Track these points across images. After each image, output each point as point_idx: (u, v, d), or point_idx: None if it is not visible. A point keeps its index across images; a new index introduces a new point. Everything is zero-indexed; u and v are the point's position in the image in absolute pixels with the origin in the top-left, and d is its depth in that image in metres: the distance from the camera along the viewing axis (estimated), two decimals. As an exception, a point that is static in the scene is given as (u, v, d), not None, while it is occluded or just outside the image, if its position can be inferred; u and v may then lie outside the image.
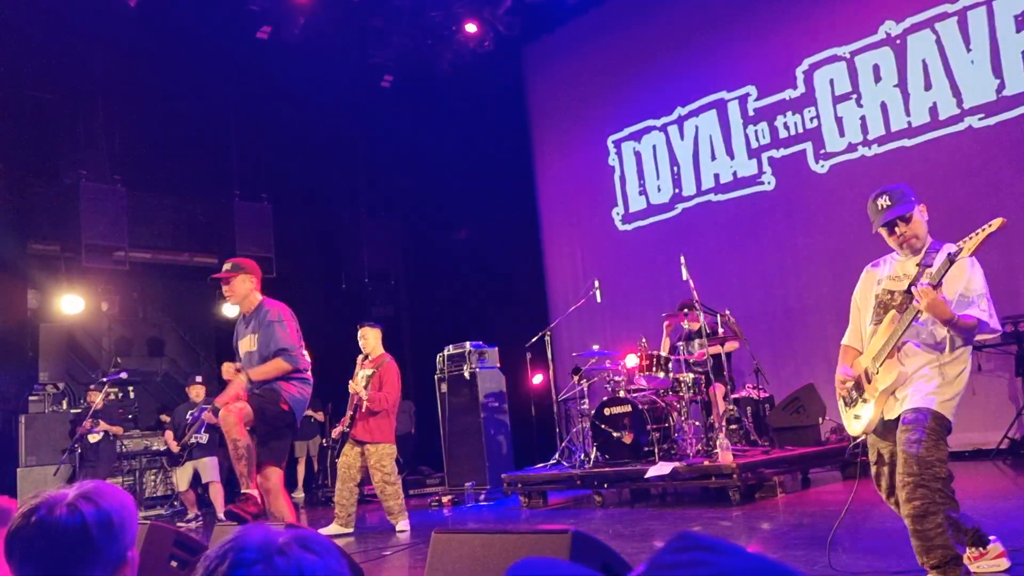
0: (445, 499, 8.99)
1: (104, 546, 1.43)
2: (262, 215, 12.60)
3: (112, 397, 10.71)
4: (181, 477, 9.47)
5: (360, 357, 7.08)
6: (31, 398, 10.12)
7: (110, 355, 13.22)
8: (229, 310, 12.87)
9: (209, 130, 12.18)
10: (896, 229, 3.28)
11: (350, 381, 6.97)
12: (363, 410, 6.71)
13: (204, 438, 9.36)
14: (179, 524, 8.06)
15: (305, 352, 5.17)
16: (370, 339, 7.01)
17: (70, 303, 11.22)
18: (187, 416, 9.48)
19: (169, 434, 9.61)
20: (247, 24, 10.55)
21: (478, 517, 7.86)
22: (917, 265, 3.21)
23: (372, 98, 12.21)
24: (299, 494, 11.34)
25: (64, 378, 11.10)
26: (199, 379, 9.92)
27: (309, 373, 5.17)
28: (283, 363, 4.92)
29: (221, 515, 8.96)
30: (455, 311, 12.16)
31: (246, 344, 5.09)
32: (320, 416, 11.60)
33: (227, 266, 5.18)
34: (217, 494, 9.26)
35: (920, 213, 3.29)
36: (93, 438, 9.33)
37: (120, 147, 11.49)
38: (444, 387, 9.57)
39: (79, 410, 10.32)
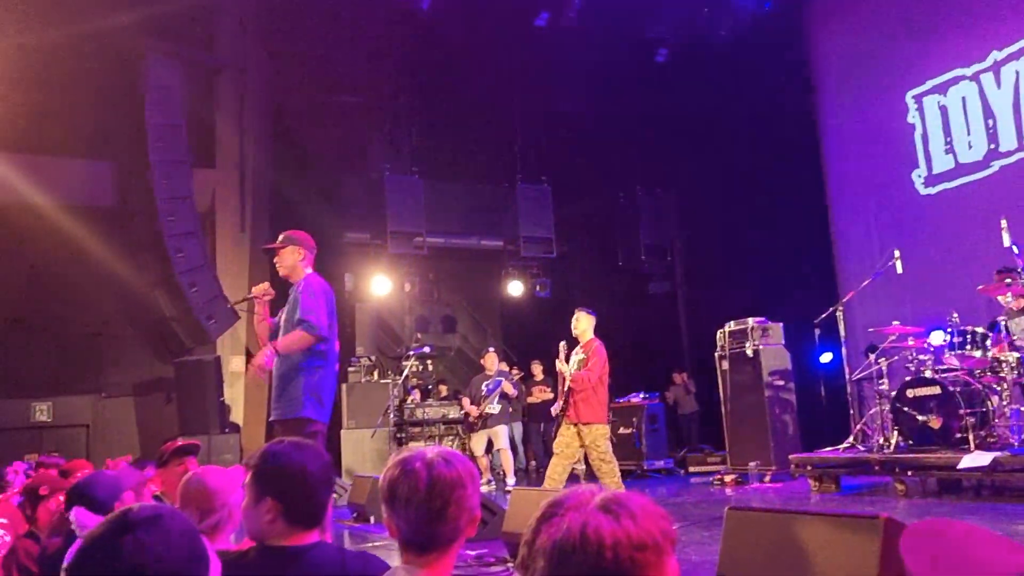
0: (728, 478, 8.81)
1: (472, 493, 1.71)
2: (542, 197, 13.12)
3: (415, 369, 11.80)
4: (477, 443, 10.22)
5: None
6: (350, 369, 11.44)
7: (411, 332, 14.57)
8: (514, 288, 13.60)
9: (494, 119, 12.89)
10: None
11: (557, 361, 7.03)
12: (568, 390, 6.75)
13: (497, 408, 10.00)
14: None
15: (336, 342, 5.00)
16: (581, 324, 7.00)
17: (379, 285, 12.49)
18: (482, 386, 10.16)
19: (466, 400, 10.38)
20: (526, 12, 10.98)
21: (764, 499, 7.60)
22: None
23: (647, 73, 12.15)
24: (581, 465, 11.68)
25: (375, 352, 12.41)
26: (492, 349, 10.58)
27: (336, 364, 5.01)
28: (305, 334, 4.71)
29: (510, 481, 9.54)
30: (736, 286, 11.78)
31: (284, 314, 5.02)
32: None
33: (280, 238, 5.13)
34: (507, 460, 9.86)
35: None
36: None
37: (418, 141, 12.58)
38: (725, 364, 9.34)
39: (388, 380, 11.49)
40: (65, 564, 1.13)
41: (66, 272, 10.54)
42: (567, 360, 6.90)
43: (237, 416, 11.12)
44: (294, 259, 5.00)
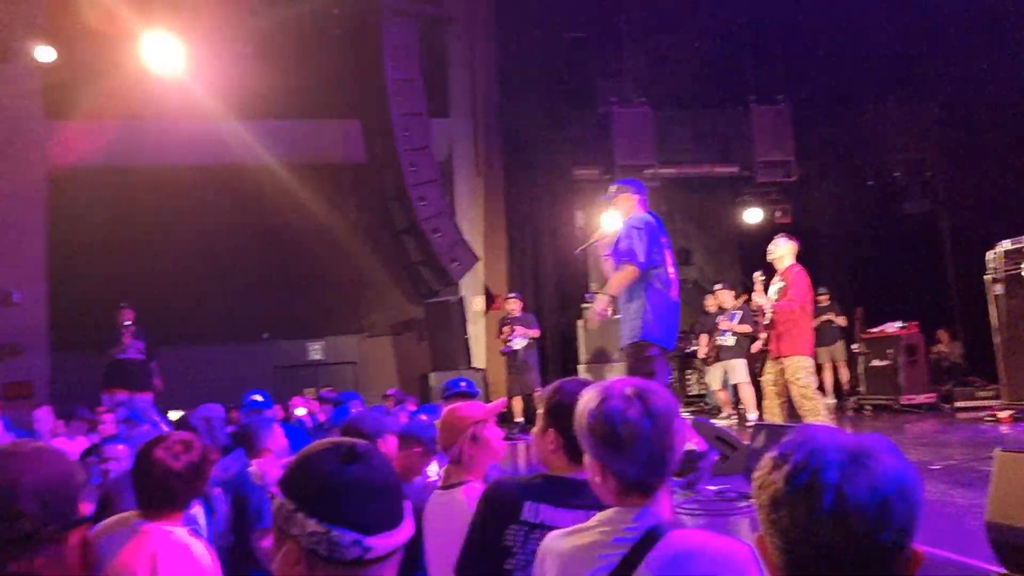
0: (1002, 414, 7.94)
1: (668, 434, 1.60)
2: (780, 117, 12.37)
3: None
4: (713, 377, 10.03)
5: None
6: (583, 306, 11.63)
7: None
8: (751, 216, 13.02)
9: (723, 40, 12.26)
10: None
11: (755, 294, 6.65)
12: (769, 323, 6.33)
13: (731, 340, 9.71)
14: (713, 422, 8.54)
15: (670, 268, 5.34)
16: (779, 249, 6.50)
17: (611, 220, 12.46)
18: (716, 320, 9.92)
19: (703, 337, 10.19)
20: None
21: (1048, 438, 6.80)
22: None
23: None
24: (829, 400, 11.11)
25: (609, 287, 12.50)
26: (718, 286, 10.27)
27: (672, 289, 5.36)
28: (625, 269, 5.23)
29: (751, 416, 9.27)
30: (1011, 200, 10.42)
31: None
32: (842, 321, 11.11)
33: (611, 189, 5.74)
34: (747, 394, 9.58)
35: None
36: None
37: (644, 71, 12.29)
38: (999, 288, 8.34)
39: (620, 317, 11.53)
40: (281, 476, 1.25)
41: (329, 225, 11.62)
42: (766, 290, 6.59)
43: (479, 352, 11.78)
44: (628, 204, 5.54)
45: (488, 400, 9.93)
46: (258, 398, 6.24)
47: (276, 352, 11.76)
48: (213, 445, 3.31)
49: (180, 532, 2.17)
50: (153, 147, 11.04)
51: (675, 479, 5.17)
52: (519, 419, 9.83)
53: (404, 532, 1.25)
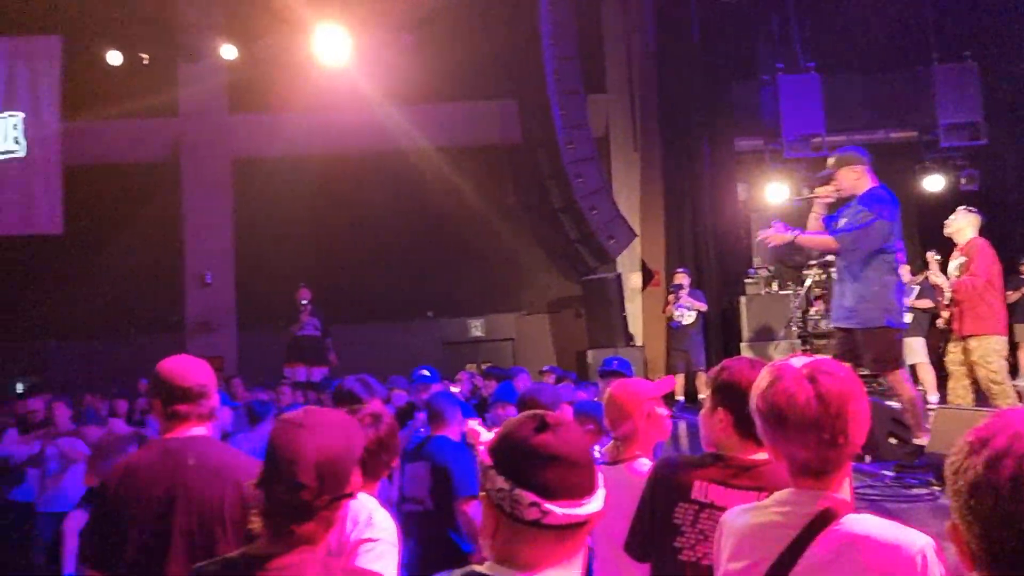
0: None
1: (866, 403, 1.56)
2: (966, 76, 11.38)
3: (819, 278, 11.21)
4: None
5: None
6: (747, 281, 11.26)
7: (812, 239, 13.78)
8: (932, 183, 12.10)
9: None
10: None
11: (930, 274, 6.33)
12: (950, 302, 5.87)
13: (908, 317, 9.10)
14: (889, 403, 8.05)
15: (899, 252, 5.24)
16: (957, 222, 6.02)
17: (775, 192, 11.93)
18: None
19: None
20: None
21: None
22: None
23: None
24: (1021, 382, 10.19)
25: (774, 262, 12.01)
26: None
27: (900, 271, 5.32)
28: (829, 242, 5.24)
29: (932, 398, 8.67)
30: None
31: (846, 221, 5.28)
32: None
33: (829, 162, 5.46)
34: (926, 375, 8.96)
35: None
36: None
37: (811, 34, 11.64)
38: None
39: (788, 292, 11.05)
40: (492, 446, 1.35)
41: (488, 206, 11.87)
42: (943, 269, 6.14)
43: (636, 330, 11.67)
44: (851, 177, 5.31)
45: (646, 377, 9.86)
46: (426, 373, 6.51)
47: (441, 329, 12.20)
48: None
49: (368, 500, 2.32)
50: (324, 136, 11.67)
51: (890, 472, 4.98)
52: (679, 397, 9.69)
53: (590, 507, 1.28)
